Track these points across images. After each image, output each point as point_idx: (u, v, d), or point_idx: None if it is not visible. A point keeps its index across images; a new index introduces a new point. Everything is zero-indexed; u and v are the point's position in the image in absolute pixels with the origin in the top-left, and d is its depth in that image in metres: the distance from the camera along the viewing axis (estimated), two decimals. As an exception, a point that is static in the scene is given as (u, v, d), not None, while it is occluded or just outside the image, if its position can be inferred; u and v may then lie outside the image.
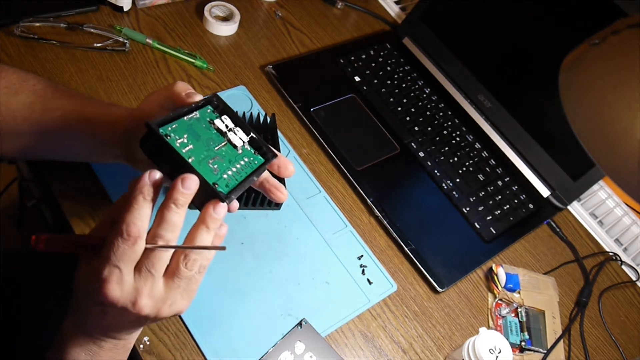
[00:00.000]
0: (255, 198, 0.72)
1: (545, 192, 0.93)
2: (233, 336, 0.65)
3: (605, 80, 0.45)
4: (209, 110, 0.56)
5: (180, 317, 0.65)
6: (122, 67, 0.84)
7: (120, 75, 0.83)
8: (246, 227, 0.74)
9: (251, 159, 0.56)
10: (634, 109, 0.41)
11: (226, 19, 0.96)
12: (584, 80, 0.46)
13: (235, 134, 0.55)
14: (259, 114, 0.80)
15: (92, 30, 0.85)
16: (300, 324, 0.68)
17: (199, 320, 0.65)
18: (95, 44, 0.85)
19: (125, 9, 0.90)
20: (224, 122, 0.55)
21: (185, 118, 0.52)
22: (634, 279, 0.91)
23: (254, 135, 0.57)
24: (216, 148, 0.53)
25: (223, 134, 0.55)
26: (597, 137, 0.43)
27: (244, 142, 0.56)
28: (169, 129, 0.50)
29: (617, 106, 0.42)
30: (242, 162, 0.54)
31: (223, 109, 0.57)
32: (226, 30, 0.94)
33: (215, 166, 0.51)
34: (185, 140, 0.50)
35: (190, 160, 0.49)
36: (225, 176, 0.51)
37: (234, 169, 0.53)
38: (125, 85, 0.83)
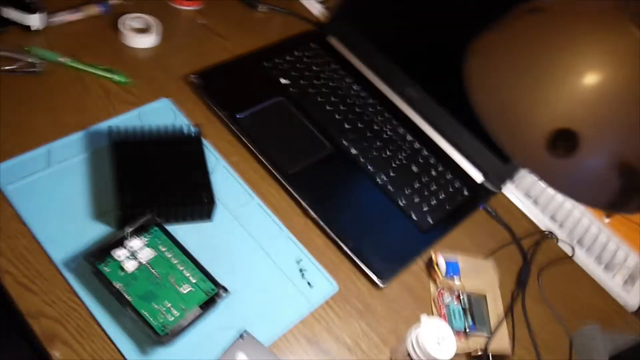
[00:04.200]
0: (184, 213, 0.70)
1: (478, 177, 0.95)
2: (170, 357, 0.63)
3: (505, 65, 0.45)
4: None
5: (110, 339, 0.62)
6: (37, 88, 0.81)
7: (37, 97, 0.80)
8: (178, 242, 0.71)
9: None
10: (533, 93, 0.42)
11: (144, 30, 0.93)
12: (486, 66, 0.47)
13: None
14: (181, 126, 0.78)
15: (1, 53, 0.81)
16: (241, 336, 0.66)
17: (132, 343, 0.63)
18: (5, 67, 0.81)
19: (35, 27, 0.86)
20: None
21: None
22: (570, 254, 0.94)
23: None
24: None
25: None
26: (500, 121, 0.43)
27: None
28: None
29: (517, 90, 0.43)
30: None
31: None
32: (144, 42, 0.92)
33: None
34: None
35: None
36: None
37: None
38: (45, 106, 0.79)
